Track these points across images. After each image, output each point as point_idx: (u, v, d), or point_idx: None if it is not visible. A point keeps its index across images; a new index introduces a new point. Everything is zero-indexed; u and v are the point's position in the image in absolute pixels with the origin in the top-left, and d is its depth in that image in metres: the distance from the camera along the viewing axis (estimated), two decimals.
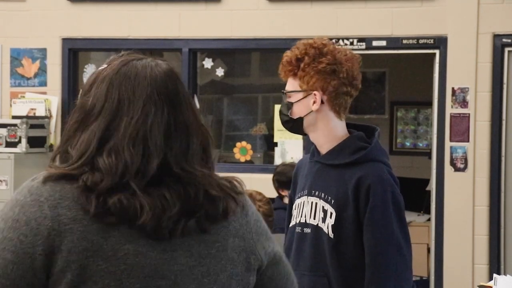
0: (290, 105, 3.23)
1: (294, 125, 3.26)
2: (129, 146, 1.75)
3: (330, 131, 3.24)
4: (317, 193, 3.23)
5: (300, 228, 3.26)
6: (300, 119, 3.23)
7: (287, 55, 3.22)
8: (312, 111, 3.21)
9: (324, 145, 3.26)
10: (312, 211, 3.23)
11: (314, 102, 3.20)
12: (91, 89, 1.82)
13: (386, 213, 3.12)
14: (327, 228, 3.16)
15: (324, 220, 3.18)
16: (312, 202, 3.23)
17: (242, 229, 1.84)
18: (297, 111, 3.23)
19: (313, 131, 3.25)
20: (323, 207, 3.19)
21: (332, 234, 3.14)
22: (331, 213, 3.16)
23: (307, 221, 3.23)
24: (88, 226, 1.69)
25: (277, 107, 7.70)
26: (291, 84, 3.24)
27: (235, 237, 1.83)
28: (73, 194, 1.72)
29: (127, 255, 1.70)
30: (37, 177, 1.77)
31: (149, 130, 1.76)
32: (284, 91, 3.26)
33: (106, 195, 1.71)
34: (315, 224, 3.20)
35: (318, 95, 3.19)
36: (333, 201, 3.17)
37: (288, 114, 3.24)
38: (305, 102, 3.21)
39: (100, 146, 1.75)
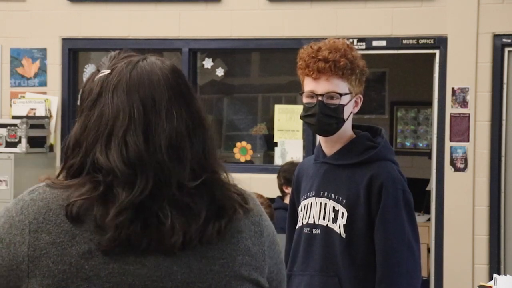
0: (341, 108, 3.21)
1: (339, 127, 3.24)
2: (168, 156, 1.67)
3: (345, 132, 3.26)
4: (326, 193, 3.23)
5: (308, 229, 3.26)
6: (344, 121, 3.24)
7: (337, 59, 3.21)
8: (351, 113, 3.25)
9: (334, 145, 3.27)
10: (321, 212, 3.23)
11: (355, 105, 3.26)
12: (99, 97, 1.72)
13: (398, 212, 3.15)
14: (339, 228, 3.17)
15: (335, 220, 3.19)
16: (321, 203, 3.23)
17: (255, 248, 1.75)
18: (346, 114, 3.24)
19: (338, 133, 3.26)
20: (333, 207, 3.20)
21: (345, 234, 3.16)
22: (343, 213, 3.17)
23: (316, 222, 3.24)
24: (67, 249, 1.65)
25: (277, 107, 7.70)
26: (339, 86, 3.22)
27: (246, 255, 1.73)
28: (57, 217, 1.66)
29: (112, 274, 1.64)
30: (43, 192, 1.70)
31: (177, 134, 1.69)
32: (333, 92, 3.21)
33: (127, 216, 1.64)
34: (325, 224, 3.21)
35: (360, 98, 3.27)
36: (344, 201, 3.18)
37: (343, 116, 3.22)
38: (350, 105, 3.24)
39: (140, 156, 1.67)
